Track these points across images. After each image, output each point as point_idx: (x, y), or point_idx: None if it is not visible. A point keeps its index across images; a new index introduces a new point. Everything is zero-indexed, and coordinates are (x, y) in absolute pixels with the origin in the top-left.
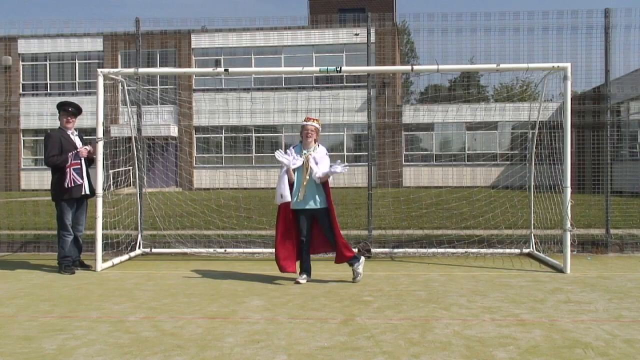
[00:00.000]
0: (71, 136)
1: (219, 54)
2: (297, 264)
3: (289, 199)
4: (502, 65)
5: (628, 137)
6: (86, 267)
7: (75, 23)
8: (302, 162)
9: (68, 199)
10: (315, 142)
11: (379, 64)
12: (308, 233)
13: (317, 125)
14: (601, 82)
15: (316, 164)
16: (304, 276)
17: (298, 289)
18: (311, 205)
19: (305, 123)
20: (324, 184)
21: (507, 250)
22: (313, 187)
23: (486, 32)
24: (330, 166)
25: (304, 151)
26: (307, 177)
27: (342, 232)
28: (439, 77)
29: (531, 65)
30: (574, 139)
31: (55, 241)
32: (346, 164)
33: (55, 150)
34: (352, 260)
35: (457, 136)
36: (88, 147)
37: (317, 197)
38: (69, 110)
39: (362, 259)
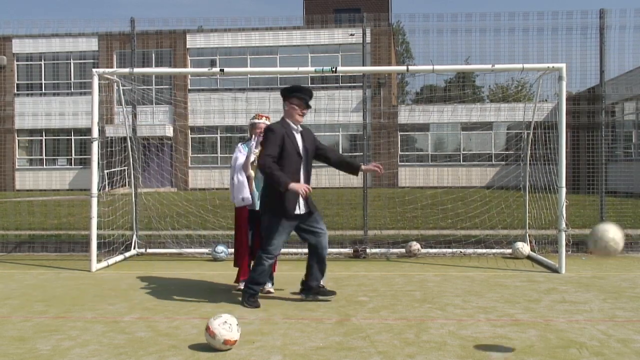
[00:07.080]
0: (295, 135)
1: (214, 54)
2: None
3: (250, 201)
4: (497, 66)
5: (623, 137)
6: (330, 294)
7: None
8: (254, 159)
9: (287, 216)
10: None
11: (375, 64)
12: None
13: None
14: (596, 83)
15: None
16: (271, 284)
17: (293, 289)
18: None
19: (257, 121)
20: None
21: (502, 251)
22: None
23: (481, 33)
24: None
25: (255, 150)
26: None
27: (338, 233)
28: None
29: (526, 65)
30: (568, 140)
31: (50, 241)
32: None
33: (275, 150)
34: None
35: (453, 136)
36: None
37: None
38: (304, 99)
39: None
